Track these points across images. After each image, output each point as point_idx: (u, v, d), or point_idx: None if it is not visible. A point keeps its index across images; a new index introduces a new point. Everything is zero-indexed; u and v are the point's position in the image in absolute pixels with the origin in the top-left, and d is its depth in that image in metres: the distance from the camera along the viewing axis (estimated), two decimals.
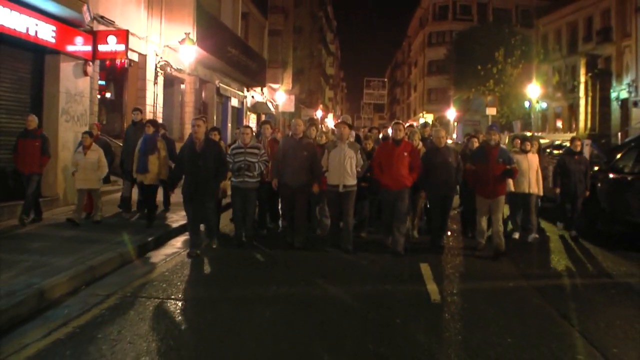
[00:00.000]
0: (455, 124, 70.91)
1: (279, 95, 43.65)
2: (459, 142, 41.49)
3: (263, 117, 37.15)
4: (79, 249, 10.59)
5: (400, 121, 13.11)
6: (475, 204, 12.64)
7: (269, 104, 42.44)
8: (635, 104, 46.10)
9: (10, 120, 14.09)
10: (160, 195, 14.80)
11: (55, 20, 14.60)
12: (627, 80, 48.02)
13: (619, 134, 41.68)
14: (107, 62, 17.71)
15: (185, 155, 11.25)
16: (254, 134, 13.23)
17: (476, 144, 14.19)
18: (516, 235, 13.97)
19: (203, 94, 28.37)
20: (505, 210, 13.55)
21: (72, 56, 15.79)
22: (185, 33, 20.62)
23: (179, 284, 9.39)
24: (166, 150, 13.82)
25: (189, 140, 11.38)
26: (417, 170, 11.96)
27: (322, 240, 12.94)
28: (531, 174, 13.79)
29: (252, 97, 38.66)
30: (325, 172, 12.16)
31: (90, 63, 16.64)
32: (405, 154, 11.86)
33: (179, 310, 8.08)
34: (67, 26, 15.20)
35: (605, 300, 9.10)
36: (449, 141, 15.80)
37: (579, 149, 14.74)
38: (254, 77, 34.49)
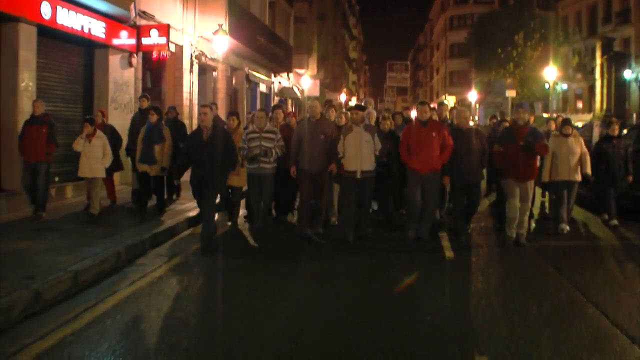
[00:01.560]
0: (477, 106, 71.88)
1: (304, 80, 44.90)
2: (481, 124, 42.63)
3: (276, 101, 37.97)
4: (134, 224, 11.98)
5: (426, 100, 12.76)
6: (505, 188, 11.44)
7: (295, 89, 43.76)
8: None
9: (66, 108, 15.52)
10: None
11: (105, 17, 16.10)
12: None
13: (634, 114, 42.64)
14: (154, 55, 18.96)
15: (192, 144, 10.65)
16: (269, 117, 12.77)
17: None
18: (565, 229, 12.44)
19: (233, 81, 29.71)
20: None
21: (119, 49, 17.29)
22: (219, 24, 21.95)
23: (228, 248, 10.89)
24: (170, 138, 13.27)
25: (197, 129, 10.88)
26: (449, 150, 11.14)
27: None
28: (572, 160, 12.54)
29: (279, 82, 39.97)
30: (341, 158, 11.32)
31: (135, 55, 18.16)
32: (434, 134, 11.12)
33: (232, 267, 9.54)
34: (114, 22, 16.69)
35: (593, 258, 10.61)
36: (470, 123, 14.67)
37: (616, 132, 13.77)
38: (281, 63, 35.77)
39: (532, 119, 14.13)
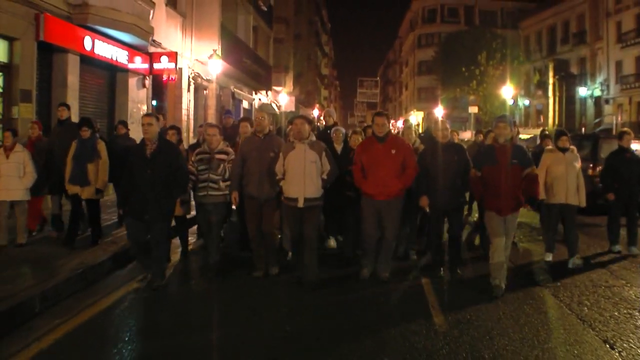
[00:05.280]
0: (441, 119, 74.77)
1: (281, 97, 47.73)
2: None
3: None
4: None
5: (384, 111, 10.68)
6: (486, 225, 9.45)
7: (273, 105, 46.71)
8: (606, 101, 50.80)
9: (98, 123, 18.44)
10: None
11: (127, 46, 19.22)
12: (599, 79, 52.59)
13: (583, 129, 46.34)
14: (163, 78, 21.93)
15: (133, 161, 9.02)
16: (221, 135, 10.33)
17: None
18: (549, 257, 11.10)
19: (222, 98, 32.79)
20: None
21: (135, 73, 20.38)
22: (213, 50, 25.17)
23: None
24: (107, 155, 11.21)
25: (139, 143, 9.22)
26: (411, 171, 9.37)
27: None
28: (569, 179, 10.80)
29: (259, 99, 42.88)
30: (280, 181, 9.38)
31: (147, 77, 21.25)
32: (394, 151, 9.31)
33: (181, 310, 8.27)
34: (134, 50, 19.76)
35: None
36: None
37: (629, 144, 12.16)
38: (261, 81, 38.88)
39: (515, 133, 12.52)
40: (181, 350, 6.60)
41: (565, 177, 10.75)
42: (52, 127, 13.89)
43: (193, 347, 6.66)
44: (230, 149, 10.16)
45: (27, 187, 11.01)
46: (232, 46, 29.72)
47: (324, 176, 9.23)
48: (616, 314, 8.03)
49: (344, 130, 11.94)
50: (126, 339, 7.22)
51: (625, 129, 13.16)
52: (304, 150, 9.14)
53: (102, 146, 11.17)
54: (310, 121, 9.85)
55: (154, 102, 23.08)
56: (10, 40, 14.30)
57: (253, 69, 35.33)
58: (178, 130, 11.43)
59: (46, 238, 11.78)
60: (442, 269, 10.02)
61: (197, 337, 7.01)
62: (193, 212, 11.49)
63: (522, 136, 26.51)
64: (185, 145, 13.29)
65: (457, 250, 10.09)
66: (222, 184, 9.74)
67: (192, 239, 12.00)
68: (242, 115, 37.16)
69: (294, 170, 9.11)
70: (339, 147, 11.26)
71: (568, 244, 10.92)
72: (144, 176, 8.71)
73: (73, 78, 16.47)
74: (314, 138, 9.56)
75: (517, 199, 8.95)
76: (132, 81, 20.32)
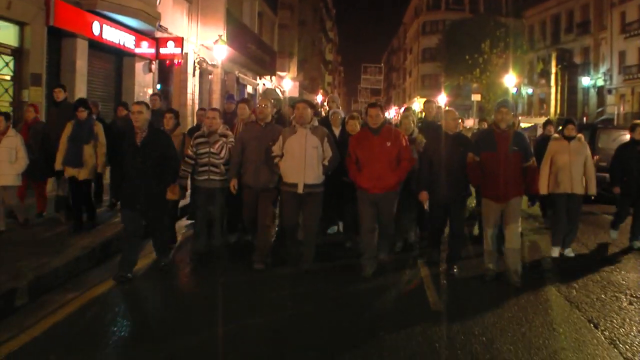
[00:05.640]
0: (446, 108, 75.03)
1: (285, 82, 48.17)
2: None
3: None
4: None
5: (378, 102, 10.41)
6: (482, 212, 9.33)
7: (277, 90, 47.02)
8: (609, 91, 51.02)
9: (103, 106, 18.69)
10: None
11: (134, 32, 19.56)
12: (603, 69, 52.79)
13: (585, 118, 46.64)
14: (167, 62, 22.41)
15: (124, 150, 8.75)
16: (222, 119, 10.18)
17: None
18: (555, 253, 10.68)
19: (226, 83, 33.13)
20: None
21: (142, 57, 20.73)
22: (219, 35, 25.45)
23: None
24: (104, 136, 10.99)
25: (130, 131, 8.87)
26: (406, 164, 9.05)
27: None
28: (573, 169, 10.45)
29: (264, 84, 43.20)
30: (275, 158, 9.16)
31: (154, 62, 21.58)
32: (388, 144, 8.97)
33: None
34: (140, 35, 20.10)
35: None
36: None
37: None
38: (266, 67, 39.07)
39: (517, 125, 11.48)
40: (185, 345, 6.39)
41: (569, 166, 10.38)
42: None
43: (192, 344, 6.42)
44: (229, 132, 9.93)
45: (19, 173, 10.73)
46: (237, 32, 30.00)
47: (325, 162, 9.01)
48: (603, 296, 8.45)
49: (342, 114, 11.46)
50: (137, 313, 7.56)
51: (638, 121, 12.37)
52: (305, 135, 8.92)
53: (99, 128, 10.93)
54: (313, 106, 9.62)
55: (159, 86, 23.39)
56: (21, 25, 14.65)
57: (258, 55, 35.61)
58: (175, 114, 10.92)
59: (54, 219, 11.73)
60: (439, 252, 9.88)
61: (195, 334, 6.73)
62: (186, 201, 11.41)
63: (523, 125, 26.81)
64: (185, 129, 13.50)
65: (457, 247, 9.59)
66: (223, 168, 9.49)
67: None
68: None
69: (294, 154, 8.89)
70: (337, 130, 10.87)
71: (566, 234, 10.69)
72: (134, 164, 8.56)
73: (81, 62, 16.82)
74: (316, 123, 9.31)
75: (517, 185, 8.76)
76: (139, 66, 20.68)
